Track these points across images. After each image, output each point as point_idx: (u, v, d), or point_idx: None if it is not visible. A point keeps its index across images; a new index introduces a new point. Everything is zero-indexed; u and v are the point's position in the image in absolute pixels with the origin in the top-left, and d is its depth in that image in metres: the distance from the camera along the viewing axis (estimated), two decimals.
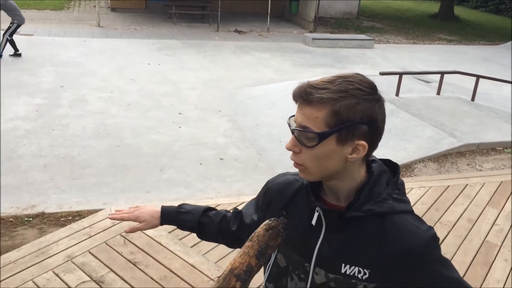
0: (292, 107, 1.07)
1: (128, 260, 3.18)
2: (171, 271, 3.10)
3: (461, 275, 3.39)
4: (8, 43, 9.03)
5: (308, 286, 1.14)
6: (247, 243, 1.27)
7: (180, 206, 1.47)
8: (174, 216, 1.45)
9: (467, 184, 4.81)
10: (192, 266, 3.17)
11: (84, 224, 3.67)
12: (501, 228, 4.02)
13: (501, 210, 4.33)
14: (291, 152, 1.06)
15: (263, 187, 1.33)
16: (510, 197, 4.59)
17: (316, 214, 1.11)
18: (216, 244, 3.46)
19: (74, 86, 7.90)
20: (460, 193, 4.61)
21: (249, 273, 1.23)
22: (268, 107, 7.45)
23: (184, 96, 7.92)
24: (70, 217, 4.07)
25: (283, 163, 5.60)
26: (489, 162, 5.63)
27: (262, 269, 1.28)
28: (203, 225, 1.43)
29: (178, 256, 3.25)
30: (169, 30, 13.55)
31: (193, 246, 3.40)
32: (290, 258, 1.18)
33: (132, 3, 15.92)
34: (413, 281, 1.07)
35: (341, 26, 16.28)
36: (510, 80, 8.83)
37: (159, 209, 1.45)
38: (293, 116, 1.06)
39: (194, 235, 3.46)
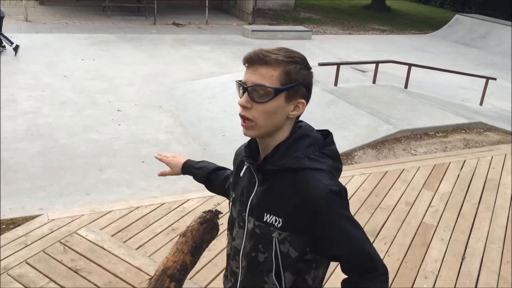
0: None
1: (69, 268, 3.03)
2: (116, 276, 3.00)
3: (401, 256, 3.56)
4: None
5: (245, 232, 1.31)
6: (180, 239, 1.24)
7: (198, 162, 1.74)
8: (190, 169, 1.73)
9: (403, 169, 5.02)
10: (138, 269, 3.08)
11: (19, 232, 3.46)
12: (436, 209, 4.23)
13: (436, 192, 4.57)
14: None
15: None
16: (443, 179, 4.84)
17: (245, 167, 1.33)
18: (162, 244, 3.40)
19: (1, 85, 7.41)
20: (398, 178, 4.81)
21: (184, 271, 1.19)
22: (209, 101, 7.38)
23: (122, 93, 7.67)
24: (4, 226, 3.82)
25: (227, 157, 5.57)
26: (422, 147, 5.91)
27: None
28: (210, 180, 1.68)
29: (123, 260, 3.14)
30: (103, 23, 13.04)
31: (138, 248, 3.31)
32: (236, 209, 1.37)
33: None
34: (316, 232, 1.19)
35: (279, 18, 16.42)
36: (439, 67, 9.31)
37: (184, 160, 1.76)
38: (240, 80, 1.21)
39: (138, 236, 3.37)
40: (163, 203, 4.00)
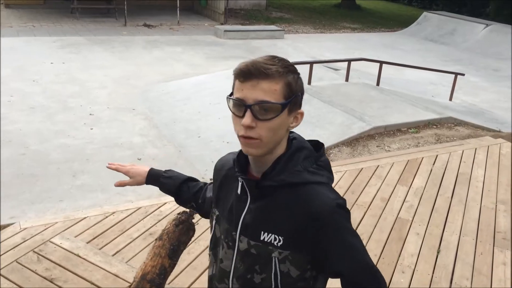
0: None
1: (44, 278, 2.96)
2: (92, 283, 2.94)
3: (379, 252, 3.61)
4: None
5: (235, 253, 1.22)
6: (157, 243, 1.21)
7: (166, 171, 1.60)
8: (157, 180, 1.57)
9: (378, 165, 5.09)
10: (115, 275, 3.02)
11: None
12: (410, 204, 4.31)
13: (410, 187, 4.65)
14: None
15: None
16: (417, 174, 4.94)
17: (239, 184, 1.21)
18: (139, 250, 3.35)
19: None
20: (373, 174, 4.88)
21: (163, 275, 1.17)
22: (184, 103, 7.32)
23: (94, 96, 7.52)
24: None
25: (203, 159, 5.54)
26: (396, 143, 6.01)
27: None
28: (181, 191, 1.55)
29: (99, 267, 3.08)
30: (72, 26, 12.78)
31: (115, 254, 3.25)
32: (222, 228, 1.27)
33: None
34: (320, 249, 1.13)
35: (251, 18, 16.43)
36: (409, 64, 9.48)
37: (148, 169, 1.59)
38: (235, 98, 1.10)
39: (114, 242, 3.31)
40: (140, 207, 3.94)
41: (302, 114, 1.16)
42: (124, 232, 3.55)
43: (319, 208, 1.11)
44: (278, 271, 1.16)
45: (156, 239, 1.16)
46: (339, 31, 16.36)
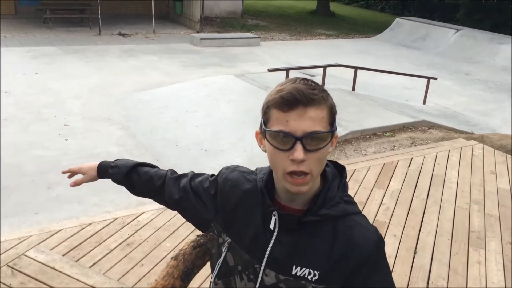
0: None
1: None
2: None
3: None
4: None
5: (257, 287, 1.12)
6: (171, 262, 1.17)
7: (115, 160, 1.49)
8: (106, 171, 1.47)
9: (355, 169, 5.15)
10: (92, 287, 2.97)
11: None
12: (387, 207, 4.37)
13: (386, 190, 4.72)
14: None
15: (210, 183, 1.29)
16: (392, 177, 5.02)
17: (274, 218, 1.10)
18: (117, 260, 3.30)
19: None
20: (350, 178, 4.93)
21: None
22: (161, 111, 7.28)
23: (69, 106, 7.42)
24: None
25: (182, 167, 5.52)
26: (372, 147, 6.10)
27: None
28: (132, 180, 1.43)
29: (76, 279, 3.03)
30: (45, 36, 12.59)
31: (92, 266, 3.20)
32: (239, 258, 1.16)
33: None
34: (356, 282, 1.07)
35: (227, 25, 16.49)
36: (384, 69, 9.65)
37: (98, 162, 1.51)
38: (281, 131, 0.99)
39: (91, 254, 3.25)
40: (117, 218, 3.89)
41: (337, 137, 1.07)
42: (101, 243, 3.50)
43: (363, 242, 1.07)
44: None
45: (171, 258, 1.13)
46: (314, 37, 16.55)
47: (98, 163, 1.50)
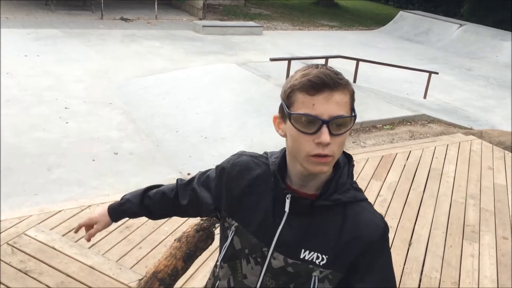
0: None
1: (19, 270, 2.93)
2: (68, 275, 2.93)
3: None
4: None
5: (264, 270, 1.14)
6: (175, 244, 1.19)
7: (122, 197, 1.46)
8: (118, 209, 1.45)
9: (354, 161, 5.18)
10: (91, 267, 3.02)
11: None
12: (384, 199, 4.41)
13: (383, 181, 4.76)
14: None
15: (216, 170, 1.30)
16: (390, 169, 5.05)
17: (288, 201, 1.11)
18: (116, 242, 3.35)
19: None
20: None
21: (174, 276, 1.16)
22: (162, 97, 7.29)
23: (70, 89, 7.42)
24: None
25: (181, 154, 5.55)
26: (371, 139, 6.13)
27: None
28: (147, 207, 1.42)
29: (75, 259, 3.07)
30: (47, 18, 12.54)
31: (91, 247, 3.24)
32: (247, 242, 1.17)
33: None
34: (357, 267, 1.10)
35: (230, 13, 16.41)
36: (386, 62, 9.65)
37: (106, 208, 1.47)
38: (308, 114, 1.00)
39: None
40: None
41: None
42: None
43: (370, 230, 1.09)
44: None
45: (174, 240, 1.15)
46: (317, 28, 16.49)
47: (106, 208, 1.47)
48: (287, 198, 1.11)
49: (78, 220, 3.58)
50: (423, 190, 4.68)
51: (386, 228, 1.13)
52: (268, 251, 1.13)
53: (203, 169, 1.41)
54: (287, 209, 1.12)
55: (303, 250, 1.10)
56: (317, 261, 1.09)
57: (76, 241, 3.28)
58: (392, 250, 3.60)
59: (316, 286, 1.09)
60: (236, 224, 1.20)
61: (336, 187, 1.10)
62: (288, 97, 1.05)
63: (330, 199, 1.09)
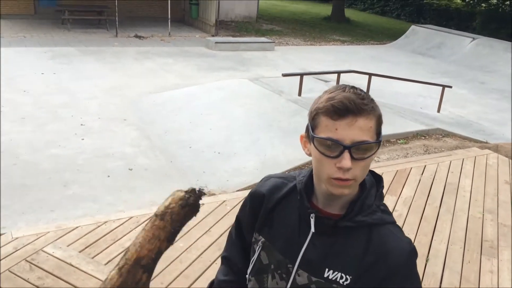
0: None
1: (37, 286, 2.96)
2: None
3: None
4: None
5: (289, 286, 1.16)
6: (158, 222, 1.02)
7: None
8: None
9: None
10: None
11: None
12: (400, 214, 4.37)
13: (399, 197, 4.72)
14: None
15: (248, 197, 1.33)
16: (405, 184, 5.01)
17: (312, 221, 1.13)
18: None
19: None
20: None
21: (157, 260, 1.02)
22: (175, 113, 7.36)
23: (85, 106, 7.54)
24: None
25: (195, 169, 5.58)
26: (385, 153, 6.10)
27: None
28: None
29: (92, 276, 3.09)
30: (63, 37, 12.80)
31: (107, 263, 3.26)
32: (273, 258, 1.20)
33: (19, 9, 14.75)
34: None
35: (242, 30, 16.58)
36: (398, 76, 9.63)
37: None
38: (331, 139, 1.01)
39: (107, 251, 3.30)
40: (131, 217, 3.96)
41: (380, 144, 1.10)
42: (116, 241, 3.56)
43: (396, 252, 1.08)
44: None
45: (156, 216, 0.98)
46: (328, 43, 16.56)
47: None
48: (311, 218, 1.13)
49: (94, 236, 3.61)
50: (439, 205, 4.63)
51: (413, 252, 1.11)
52: (293, 268, 1.15)
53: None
54: (313, 228, 1.14)
55: (327, 269, 1.11)
56: (340, 281, 1.10)
57: (92, 257, 3.30)
58: None
59: None
60: (263, 239, 1.23)
61: (361, 208, 1.10)
62: (313, 119, 1.08)
63: (354, 220, 1.10)
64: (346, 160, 1.00)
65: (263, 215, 1.24)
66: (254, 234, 1.26)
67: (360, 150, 1.02)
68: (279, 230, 1.20)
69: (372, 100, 1.05)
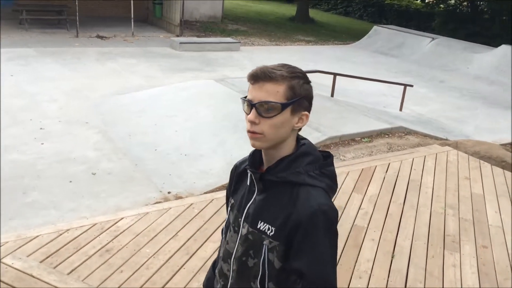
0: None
1: None
2: None
3: (337, 259, 3.67)
4: None
5: (238, 237, 1.38)
6: None
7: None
8: None
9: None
10: None
11: None
12: (366, 212, 4.44)
13: (364, 194, 4.79)
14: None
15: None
16: (371, 182, 5.09)
17: (248, 176, 1.38)
18: (96, 267, 3.26)
19: None
20: None
21: None
22: (139, 115, 7.22)
23: (44, 109, 7.29)
24: None
25: (161, 172, 5.48)
26: (350, 152, 6.18)
27: None
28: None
29: (54, 286, 2.98)
30: (21, 37, 12.35)
31: (70, 272, 3.15)
32: (233, 215, 1.43)
33: None
34: (295, 244, 1.24)
35: (207, 30, 16.47)
36: (362, 76, 9.80)
37: None
38: (245, 97, 1.27)
39: (69, 261, 3.19)
40: (95, 224, 3.84)
41: (307, 116, 1.31)
42: (79, 249, 3.45)
43: (303, 209, 1.23)
44: (266, 258, 1.29)
45: None
46: (294, 43, 16.68)
47: None
48: (248, 173, 1.37)
49: (56, 245, 3.48)
50: (403, 201, 4.72)
51: (319, 212, 1.22)
52: (241, 221, 1.37)
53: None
54: (248, 182, 1.38)
55: (259, 221, 1.31)
56: (268, 232, 1.29)
57: (54, 267, 3.18)
58: (375, 263, 3.62)
59: (266, 254, 1.29)
60: (233, 201, 1.46)
61: (286, 167, 1.28)
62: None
63: (277, 176, 1.29)
64: (251, 115, 1.25)
65: (234, 182, 1.48)
66: (230, 198, 1.49)
67: (264, 108, 1.23)
68: (240, 192, 1.43)
69: (293, 73, 1.26)
